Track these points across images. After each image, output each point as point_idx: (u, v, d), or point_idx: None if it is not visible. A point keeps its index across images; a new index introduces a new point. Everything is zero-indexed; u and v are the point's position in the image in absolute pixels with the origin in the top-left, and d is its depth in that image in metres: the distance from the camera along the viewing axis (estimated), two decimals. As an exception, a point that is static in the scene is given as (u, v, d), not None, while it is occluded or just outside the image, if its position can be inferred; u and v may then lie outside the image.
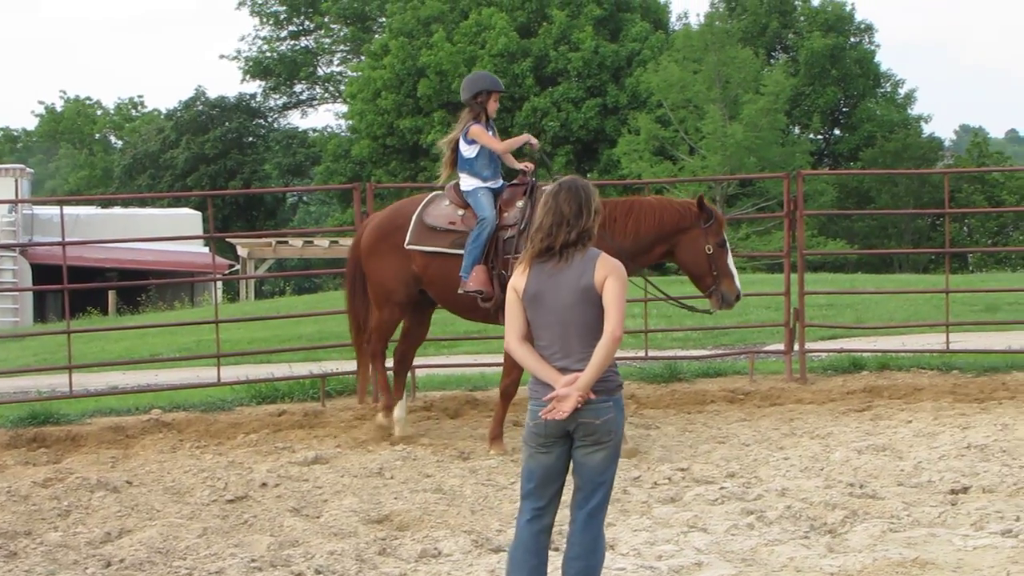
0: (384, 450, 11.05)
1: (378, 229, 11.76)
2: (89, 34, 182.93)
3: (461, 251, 11.15)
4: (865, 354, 14.95)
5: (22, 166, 46.07)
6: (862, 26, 58.36)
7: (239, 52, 72.76)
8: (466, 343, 17.21)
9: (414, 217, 11.49)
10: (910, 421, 11.86)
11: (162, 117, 76.00)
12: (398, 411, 11.71)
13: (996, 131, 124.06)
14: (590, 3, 54.15)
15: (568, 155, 50.31)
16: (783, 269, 14.86)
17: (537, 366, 6.00)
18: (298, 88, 74.77)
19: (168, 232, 40.23)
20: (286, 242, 41.68)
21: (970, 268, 43.81)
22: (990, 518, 8.14)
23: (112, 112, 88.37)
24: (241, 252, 42.88)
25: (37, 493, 9.72)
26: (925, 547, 7.52)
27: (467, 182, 11.35)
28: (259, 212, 66.94)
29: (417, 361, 12.69)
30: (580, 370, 5.88)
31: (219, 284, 36.53)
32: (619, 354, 5.98)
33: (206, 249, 44.29)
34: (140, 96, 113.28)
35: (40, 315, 40.71)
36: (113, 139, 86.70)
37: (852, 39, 57.53)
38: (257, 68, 71.55)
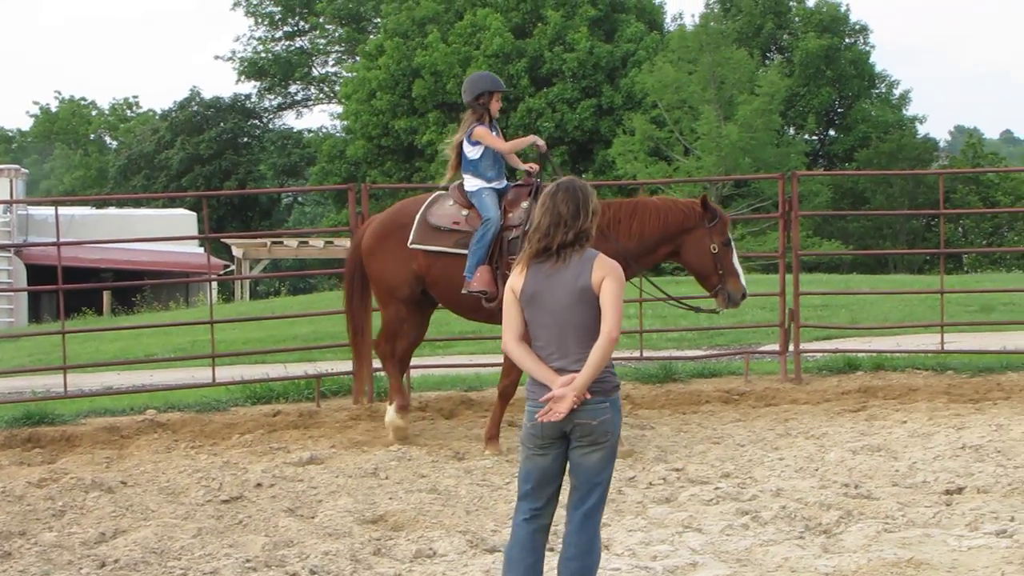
0: (379, 450, 11.04)
1: (380, 228, 11.73)
2: (84, 34, 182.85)
3: (465, 251, 11.12)
4: (860, 354, 14.96)
5: (17, 166, 45.98)
6: (857, 27, 58.40)
7: (234, 53, 72.87)
8: (461, 343, 17.21)
9: (418, 216, 11.46)
10: (905, 421, 11.86)
11: (157, 117, 75.96)
12: (393, 411, 11.70)
13: (991, 132, 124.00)
14: (585, 4, 54.16)
15: (563, 156, 50.30)
16: (778, 270, 14.86)
17: (534, 367, 6.00)
18: (293, 88, 74.77)
19: (163, 232, 40.21)
20: (281, 243, 41.67)
21: (965, 269, 43.87)
22: (985, 518, 8.15)
23: (107, 112, 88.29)
24: (236, 252, 42.87)
25: (32, 493, 9.71)
26: (920, 547, 7.53)
27: (471, 183, 11.32)
28: (254, 213, 66.92)
29: (412, 361, 12.67)
30: (577, 371, 5.88)
31: (214, 284, 36.52)
32: (614, 354, 5.97)
33: (201, 249, 44.18)
34: (135, 96, 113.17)
35: (35, 315, 40.66)
36: (108, 139, 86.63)
37: (847, 40, 57.56)
38: (252, 68, 71.54)
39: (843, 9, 57.66)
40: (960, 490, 9.02)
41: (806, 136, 55.72)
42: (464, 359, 15.61)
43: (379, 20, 64.46)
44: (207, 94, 70.10)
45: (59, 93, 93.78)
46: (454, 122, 53.50)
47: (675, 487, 9.44)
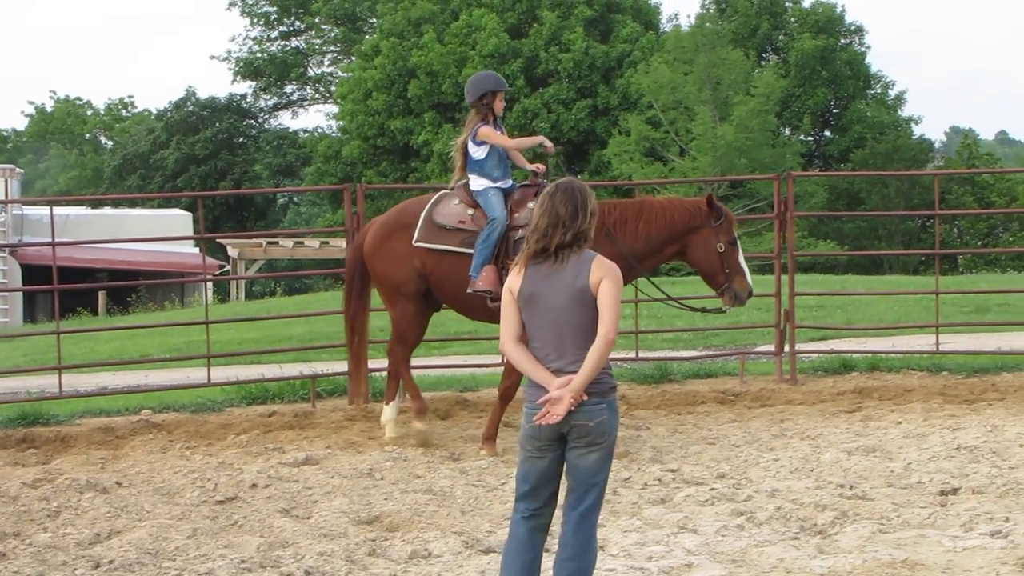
0: (374, 451, 11.04)
1: (382, 229, 11.70)
2: (79, 34, 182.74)
3: (470, 250, 11.09)
4: (855, 355, 14.97)
5: (12, 166, 45.96)
6: (852, 27, 58.50)
7: (230, 53, 72.84)
8: (456, 344, 17.21)
9: (423, 215, 11.42)
10: (900, 422, 11.87)
11: (152, 117, 75.97)
12: (390, 412, 11.70)
13: (986, 133, 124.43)
14: (581, 4, 54.21)
15: (558, 157, 50.30)
16: (773, 270, 14.87)
17: (531, 368, 6.00)
18: (288, 89, 74.78)
19: (158, 233, 40.25)
20: (276, 243, 41.64)
21: (960, 269, 43.96)
22: (979, 519, 8.15)
23: (102, 112, 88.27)
24: (231, 253, 42.84)
25: (26, 494, 9.70)
26: (915, 548, 7.53)
27: (477, 182, 11.28)
28: (249, 213, 66.92)
29: (407, 362, 12.66)
30: (574, 372, 5.87)
31: (209, 285, 36.46)
32: (610, 355, 5.97)
33: (196, 250, 44.21)
34: (130, 96, 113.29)
35: (30, 315, 40.64)
36: (103, 139, 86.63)
37: (842, 40, 57.65)
38: (248, 69, 71.54)
39: (839, 10, 57.78)
40: (955, 491, 9.03)
41: (802, 137, 55.76)
42: (459, 360, 15.61)
43: (375, 20, 64.48)
44: (203, 94, 70.30)
45: (54, 93, 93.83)
46: (449, 122, 53.61)
47: (670, 488, 9.44)
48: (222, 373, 15.11)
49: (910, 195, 48.90)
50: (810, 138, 57.78)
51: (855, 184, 50.14)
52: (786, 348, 14.21)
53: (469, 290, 11.04)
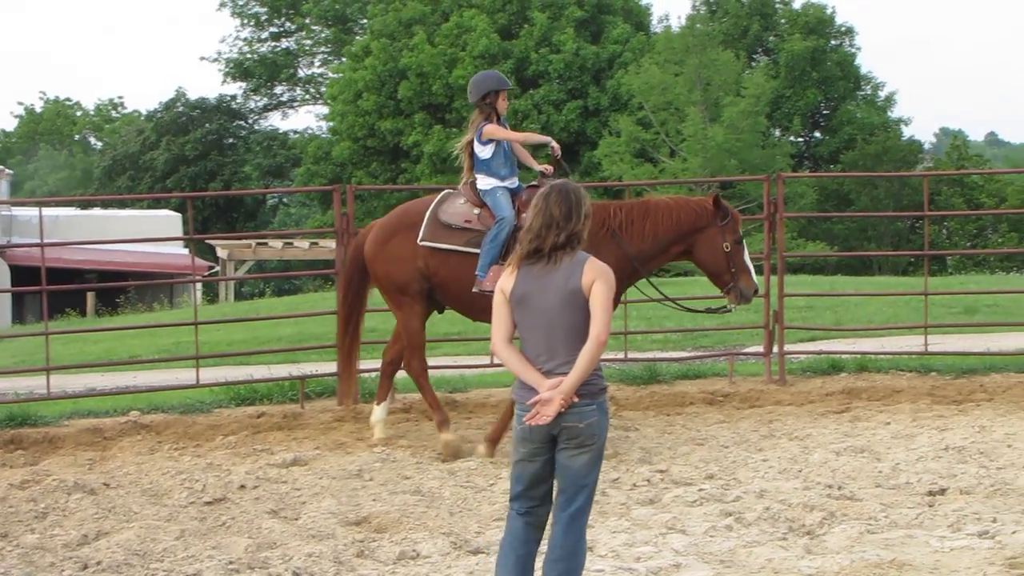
0: (363, 452, 11.03)
1: (385, 229, 11.60)
2: (69, 35, 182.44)
3: (476, 250, 11.01)
4: (844, 356, 14.98)
5: (1, 167, 45.91)
6: (843, 29, 58.53)
7: (219, 54, 72.87)
8: (446, 345, 17.19)
9: (428, 213, 11.32)
10: (888, 423, 11.88)
11: (142, 118, 75.86)
12: (380, 413, 11.68)
13: (976, 134, 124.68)
14: (571, 5, 54.20)
15: (548, 158, 50.33)
16: (763, 271, 14.87)
17: (521, 368, 6.00)
18: (279, 90, 74.73)
19: (148, 233, 40.23)
20: (266, 244, 41.62)
21: (949, 271, 44.03)
22: (967, 519, 8.17)
23: (92, 113, 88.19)
24: (221, 254, 42.81)
25: (14, 495, 9.68)
26: (902, 548, 7.55)
27: (484, 182, 11.20)
28: (239, 214, 66.84)
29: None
30: (565, 373, 5.88)
31: (198, 286, 36.45)
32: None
33: (186, 251, 44.18)
34: (120, 97, 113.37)
35: (18, 316, 40.56)
36: (93, 140, 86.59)
37: (833, 42, 57.69)
38: (238, 69, 71.48)
39: (829, 11, 57.81)
40: (943, 491, 9.04)
41: (791, 138, 55.80)
42: (449, 360, 15.59)
43: (365, 21, 64.47)
44: (192, 95, 70.22)
45: (44, 94, 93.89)
46: (439, 123, 53.62)
47: (659, 488, 9.44)
48: (211, 374, 15.09)
49: (899, 196, 48.97)
50: (800, 139, 57.82)
51: (845, 185, 50.20)
52: (775, 349, 14.21)
53: (475, 289, 10.97)
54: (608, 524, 8.38)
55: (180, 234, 42.55)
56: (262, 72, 71.44)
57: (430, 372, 11.67)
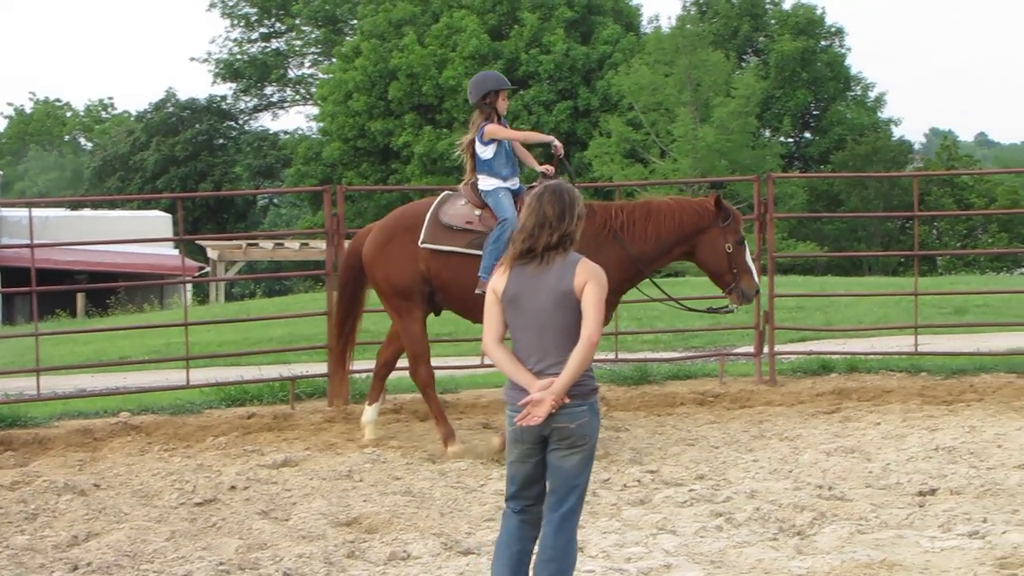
0: (353, 453, 11.02)
1: (384, 232, 11.52)
2: (59, 35, 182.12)
3: (478, 252, 10.96)
4: (834, 356, 14.99)
5: (-9, 168, 45.81)
6: (832, 29, 58.64)
7: (210, 54, 72.78)
8: (436, 345, 17.06)
9: (428, 216, 11.25)
10: (879, 423, 11.89)
11: (132, 119, 75.76)
12: (371, 413, 11.66)
13: (965, 134, 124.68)
14: (561, 6, 54.23)
15: (539, 158, 50.30)
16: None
17: (512, 369, 6.00)
18: (269, 90, 74.65)
19: (138, 234, 40.09)
20: (256, 244, 41.54)
21: (939, 271, 44.10)
22: (957, 520, 8.18)
23: (82, 114, 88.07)
24: (211, 254, 42.75)
25: (3, 496, 9.66)
26: (893, 549, 7.55)
27: (486, 182, 11.16)
28: (229, 214, 66.75)
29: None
30: (556, 374, 5.89)
31: (189, 286, 36.41)
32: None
33: (176, 251, 44.09)
34: (110, 98, 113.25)
35: (8, 317, 40.50)
36: (83, 141, 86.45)
37: (823, 42, 57.79)
38: (228, 70, 71.40)
39: (819, 12, 57.91)
40: (933, 491, 9.06)
41: (782, 138, 55.91)
42: (439, 361, 15.53)
43: (355, 22, 64.43)
44: (183, 95, 70.07)
45: (33, 94, 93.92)
46: (430, 124, 53.62)
47: (649, 489, 9.44)
48: (201, 375, 15.07)
49: (890, 197, 49.04)
50: (790, 140, 57.92)
51: (835, 186, 50.28)
52: (765, 349, 14.22)
53: (478, 291, 10.92)
54: (599, 525, 8.38)
55: (170, 235, 42.49)
56: (252, 73, 71.37)
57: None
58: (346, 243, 13.94)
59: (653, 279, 11.83)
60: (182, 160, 65.48)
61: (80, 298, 36.11)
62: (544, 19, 53.96)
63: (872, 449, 10.66)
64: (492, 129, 11.09)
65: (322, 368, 13.48)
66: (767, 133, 54.55)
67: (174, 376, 15.19)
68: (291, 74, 74.15)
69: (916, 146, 69.07)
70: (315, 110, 65.37)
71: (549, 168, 11.28)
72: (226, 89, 73.27)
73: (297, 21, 70.29)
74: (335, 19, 68.85)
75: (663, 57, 47.07)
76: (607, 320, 11.47)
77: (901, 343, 16.05)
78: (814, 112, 57.94)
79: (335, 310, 12.14)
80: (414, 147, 52.91)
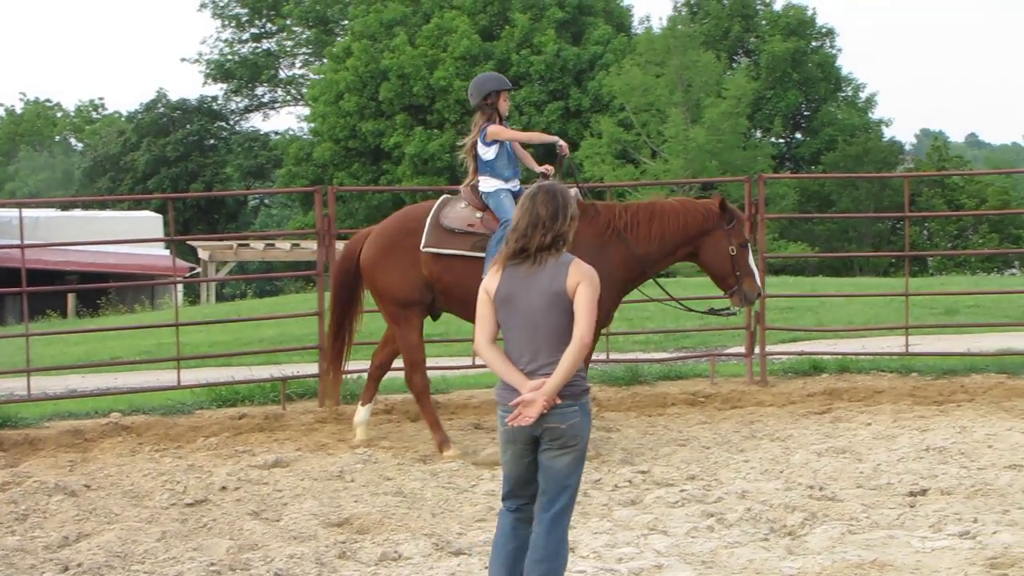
0: (344, 453, 11.01)
1: (383, 238, 11.41)
2: (49, 35, 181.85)
3: (481, 254, 10.90)
4: (825, 357, 14.99)
5: (-19, 168, 45.73)
6: (823, 30, 58.78)
7: (200, 55, 72.69)
8: (428, 346, 17.02)
9: (428, 219, 11.18)
10: (869, 423, 11.90)
11: (123, 119, 75.68)
12: (363, 414, 11.64)
13: (956, 135, 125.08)
14: (552, 6, 54.26)
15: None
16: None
17: (504, 369, 6.00)
18: (260, 91, 74.61)
19: (129, 235, 39.98)
20: (247, 245, 41.52)
21: (930, 271, 44.13)
22: (948, 520, 8.18)
23: (73, 114, 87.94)
24: (202, 255, 42.72)
25: (-6, 497, 9.65)
26: (884, 549, 7.56)
27: (488, 184, 11.11)
28: (220, 215, 66.71)
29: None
30: (548, 375, 5.89)
31: (180, 287, 36.36)
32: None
33: (167, 252, 44.06)
34: (101, 98, 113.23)
35: (-1, 318, 40.40)
36: (73, 141, 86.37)
37: (813, 43, 57.91)
38: (219, 71, 71.37)
39: (810, 12, 58.03)
40: (924, 492, 9.06)
41: (773, 139, 55.97)
42: (430, 361, 15.50)
43: (346, 22, 64.42)
44: (173, 96, 70.04)
45: (24, 95, 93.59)
46: (420, 125, 53.61)
47: (641, 489, 9.44)
48: (192, 375, 15.06)
49: (880, 197, 49.13)
50: (781, 140, 58.00)
51: (826, 186, 50.37)
52: (756, 350, 14.22)
53: None
54: (590, 525, 8.38)
55: (161, 235, 42.42)
56: (243, 73, 71.34)
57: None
58: (337, 243, 13.94)
59: (656, 279, 11.82)
60: (173, 160, 65.43)
61: (71, 298, 36.06)
62: (535, 20, 53.99)
63: (863, 449, 10.67)
64: (495, 130, 11.07)
65: (313, 368, 13.47)
66: (758, 134, 54.63)
67: (165, 377, 15.16)
68: (282, 75, 74.15)
69: (907, 147, 69.31)
70: (306, 111, 65.41)
71: (549, 168, 11.26)
72: (217, 90, 73.38)
73: (288, 21, 70.26)
74: (326, 20, 68.85)
75: (654, 58, 47.13)
76: (609, 320, 11.53)
77: (892, 343, 16.06)
78: (805, 113, 58.06)
79: (331, 312, 12.05)
80: (405, 148, 52.91)
